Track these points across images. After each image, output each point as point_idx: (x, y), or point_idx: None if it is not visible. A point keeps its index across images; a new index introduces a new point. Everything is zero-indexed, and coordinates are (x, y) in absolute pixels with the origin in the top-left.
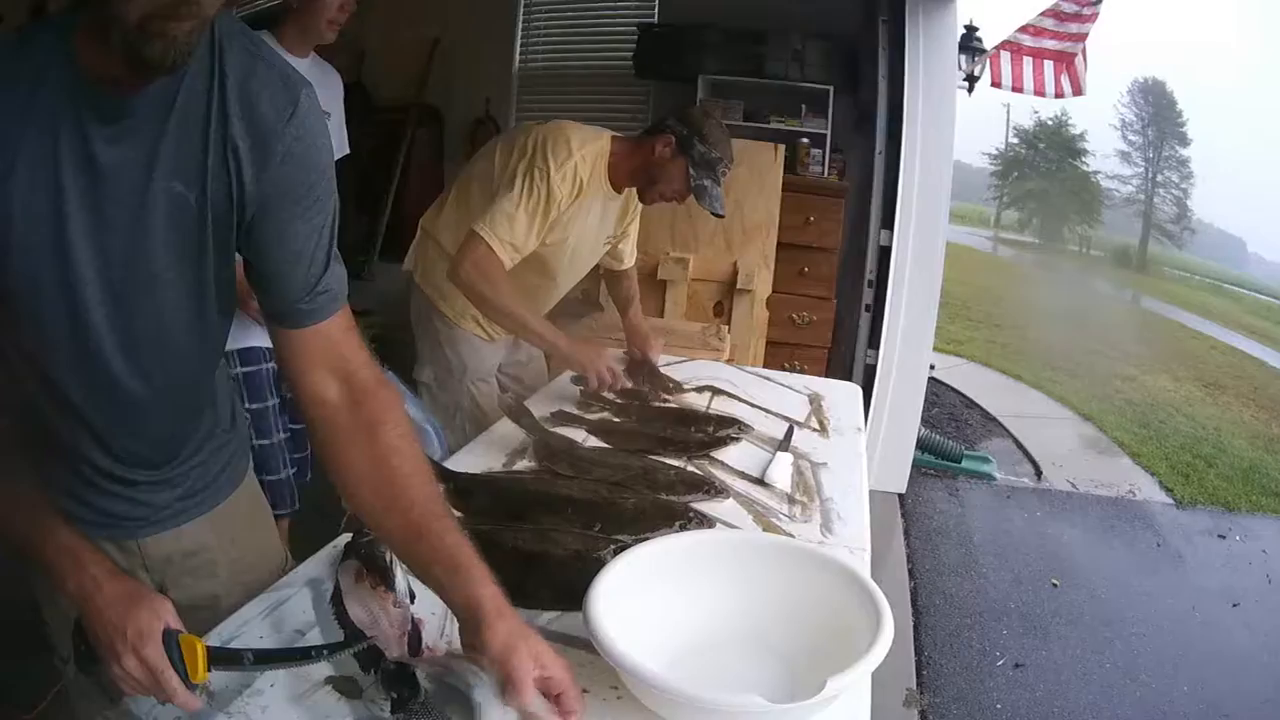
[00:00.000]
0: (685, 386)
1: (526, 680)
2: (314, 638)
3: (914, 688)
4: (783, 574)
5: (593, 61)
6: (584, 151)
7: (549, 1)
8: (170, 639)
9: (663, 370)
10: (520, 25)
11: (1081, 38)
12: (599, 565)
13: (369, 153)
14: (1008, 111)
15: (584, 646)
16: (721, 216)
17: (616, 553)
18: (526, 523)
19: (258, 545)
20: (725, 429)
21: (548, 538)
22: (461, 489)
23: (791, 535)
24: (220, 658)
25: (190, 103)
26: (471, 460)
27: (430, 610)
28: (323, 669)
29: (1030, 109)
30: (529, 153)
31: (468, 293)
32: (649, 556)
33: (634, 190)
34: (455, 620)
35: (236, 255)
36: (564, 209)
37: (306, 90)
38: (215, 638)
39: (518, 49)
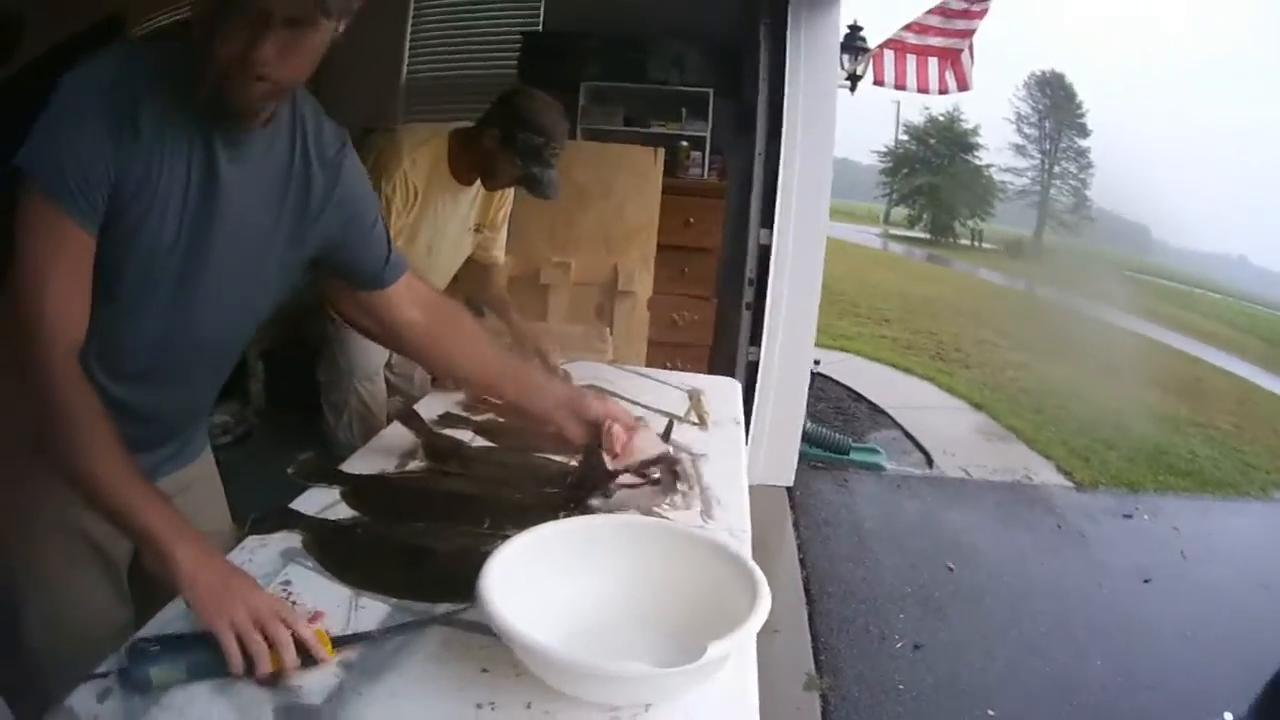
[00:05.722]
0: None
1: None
2: None
3: (813, 672)
4: (665, 555)
5: (479, 70)
6: (415, 155)
7: (437, 11)
8: None
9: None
10: (409, 35)
11: (968, 34)
12: (485, 558)
13: None
14: (898, 109)
15: (483, 630)
16: (553, 199)
17: None
18: (418, 520)
19: (214, 502)
20: None
21: (437, 533)
22: (356, 490)
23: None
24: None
25: (279, 143)
26: (365, 464)
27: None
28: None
29: (921, 106)
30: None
31: None
32: (536, 542)
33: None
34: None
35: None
36: (402, 217)
37: (344, 132)
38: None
39: (406, 59)
